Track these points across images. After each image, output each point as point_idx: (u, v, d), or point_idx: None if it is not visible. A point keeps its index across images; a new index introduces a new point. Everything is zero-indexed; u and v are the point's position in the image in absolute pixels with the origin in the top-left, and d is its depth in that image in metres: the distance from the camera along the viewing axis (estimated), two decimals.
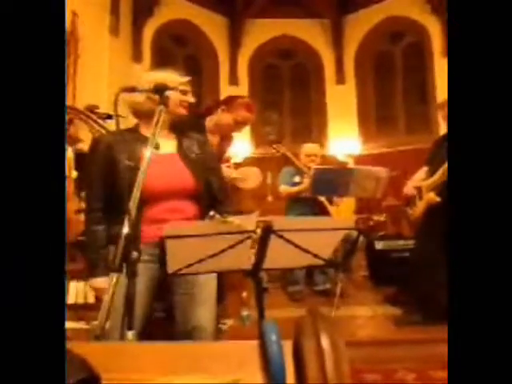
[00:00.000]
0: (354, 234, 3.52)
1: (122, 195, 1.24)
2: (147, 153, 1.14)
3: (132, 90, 1.33)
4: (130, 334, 0.91)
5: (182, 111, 1.46)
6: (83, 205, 2.20)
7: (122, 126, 1.52)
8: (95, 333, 0.88)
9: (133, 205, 1.06)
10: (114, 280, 0.92)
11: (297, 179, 3.41)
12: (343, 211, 3.43)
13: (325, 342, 0.61)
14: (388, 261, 3.62)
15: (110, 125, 2.14)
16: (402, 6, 6.69)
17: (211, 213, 1.18)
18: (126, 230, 0.97)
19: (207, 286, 1.43)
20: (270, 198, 4.54)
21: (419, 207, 2.62)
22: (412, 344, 2.18)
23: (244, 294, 2.27)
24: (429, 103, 6.66)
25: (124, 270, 0.94)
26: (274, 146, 3.62)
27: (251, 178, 2.25)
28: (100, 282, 1.29)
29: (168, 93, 1.28)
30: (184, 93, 1.46)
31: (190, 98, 1.47)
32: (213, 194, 1.47)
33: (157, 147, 1.22)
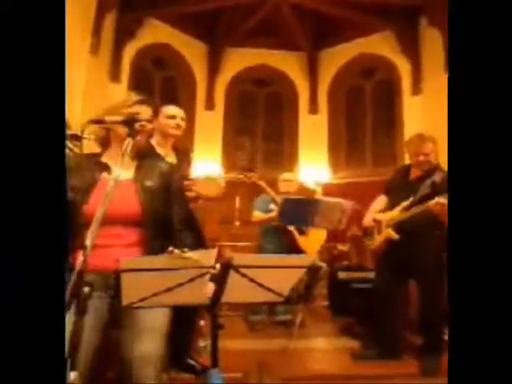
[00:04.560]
0: (319, 263, 3.57)
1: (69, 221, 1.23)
2: (110, 182, 1.17)
3: (100, 121, 1.34)
4: (73, 376, 0.87)
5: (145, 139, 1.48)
6: None
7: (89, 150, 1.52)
8: None
9: (90, 237, 1.06)
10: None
11: (271, 207, 3.43)
12: (312, 241, 3.44)
13: None
14: (350, 291, 3.63)
15: (77, 145, 2.11)
16: (374, 44, 7.02)
17: (170, 248, 1.19)
18: (79, 265, 0.96)
19: (155, 316, 1.38)
20: (237, 223, 4.54)
21: (377, 240, 2.65)
22: (367, 379, 2.19)
23: (202, 323, 2.23)
24: (395, 137, 6.92)
25: (73, 307, 0.91)
26: (246, 174, 3.61)
27: (211, 187, 2.20)
28: None
29: (137, 125, 1.31)
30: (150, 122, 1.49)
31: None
32: (173, 224, 1.47)
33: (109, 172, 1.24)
